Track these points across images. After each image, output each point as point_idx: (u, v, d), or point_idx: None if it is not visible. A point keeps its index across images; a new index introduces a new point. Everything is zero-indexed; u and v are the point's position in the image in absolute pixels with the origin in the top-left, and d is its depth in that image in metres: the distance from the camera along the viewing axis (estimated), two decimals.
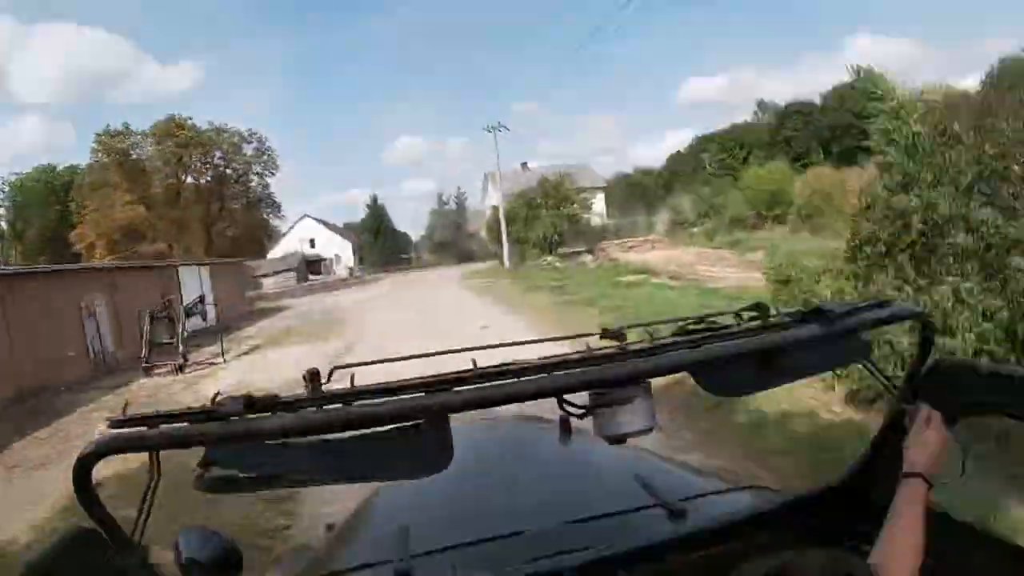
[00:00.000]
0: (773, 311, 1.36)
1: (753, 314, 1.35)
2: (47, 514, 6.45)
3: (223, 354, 15.40)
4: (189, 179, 43.68)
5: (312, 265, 57.26)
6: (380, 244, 60.49)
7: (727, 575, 1.64)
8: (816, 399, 6.87)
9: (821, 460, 5.52)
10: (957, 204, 5.18)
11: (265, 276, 48.36)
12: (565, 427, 2.85)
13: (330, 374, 1.19)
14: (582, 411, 1.16)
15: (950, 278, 4.93)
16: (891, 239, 5.90)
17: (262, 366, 14.25)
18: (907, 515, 1.30)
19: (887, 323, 1.45)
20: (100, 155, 41.11)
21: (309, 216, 63.86)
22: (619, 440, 1.16)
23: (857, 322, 1.30)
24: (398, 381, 1.12)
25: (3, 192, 45.33)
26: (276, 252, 56.78)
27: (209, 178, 44.39)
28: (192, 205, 42.27)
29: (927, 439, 1.39)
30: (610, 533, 1.81)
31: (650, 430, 1.16)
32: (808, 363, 1.35)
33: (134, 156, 41.44)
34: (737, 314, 1.36)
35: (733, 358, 1.19)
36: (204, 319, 17.01)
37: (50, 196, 44.36)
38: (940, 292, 4.93)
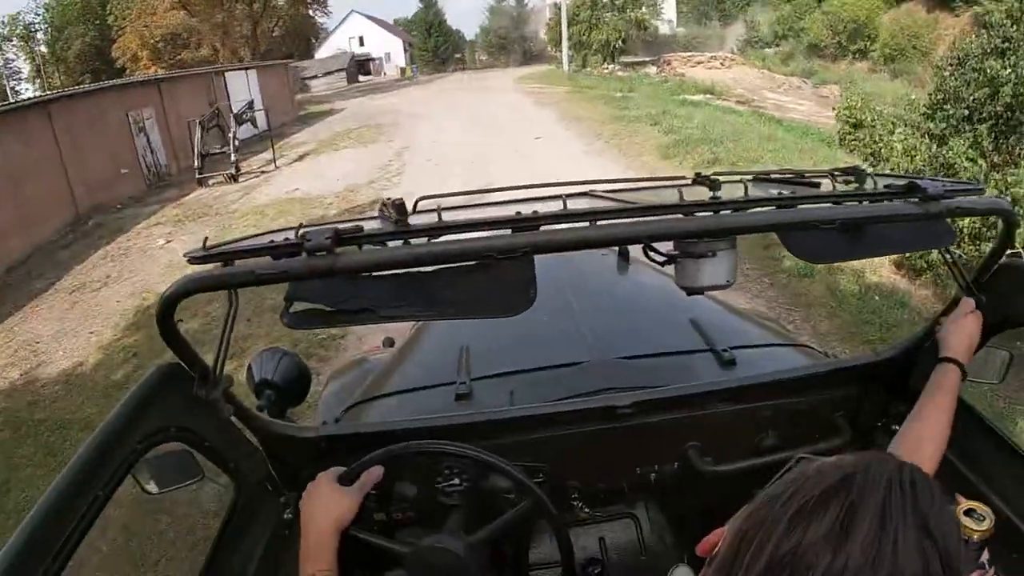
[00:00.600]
0: (869, 179, 1.30)
1: (849, 178, 1.31)
2: (112, 334, 6.85)
3: (275, 160, 15.37)
4: None
5: (362, 65, 55.57)
6: (433, 42, 57.90)
7: (767, 429, 1.77)
8: (866, 260, 6.71)
9: (860, 322, 5.52)
10: None
11: (314, 78, 47.28)
12: (624, 257, 2.90)
13: (415, 205, 1.18)
14: (664, 259, 1.15)
15: None
16: (975, 104, 5.37)
17: (316, 171, 14.31)
18: (940, 400, 1.34)
19: (977, 215, 1.43)
20: None
21: (357, 12, 60.92)
22: (697, 291, 1.18)
23: (950, 207, 1.24)
24: (484, 215, 1.11)
25: (40, 15, 43.99)
26: (323, 52, 54.94)
27: None
28: (235, 4, 40.21)
29: (967, 328, 1.42)
30: (661, 373, 1.90)
31: (730, 284, 1.17)
32: (895, 240, 1.32)
33: None
34: (832, 174, 1.31)
35: (824, 224, 1.15)
36: (255, 125, 16.91)
37: (88, 12, 42.48)
38: (1016, 175, 4.54)
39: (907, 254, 6.26)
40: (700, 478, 1.76)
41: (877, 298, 5.92)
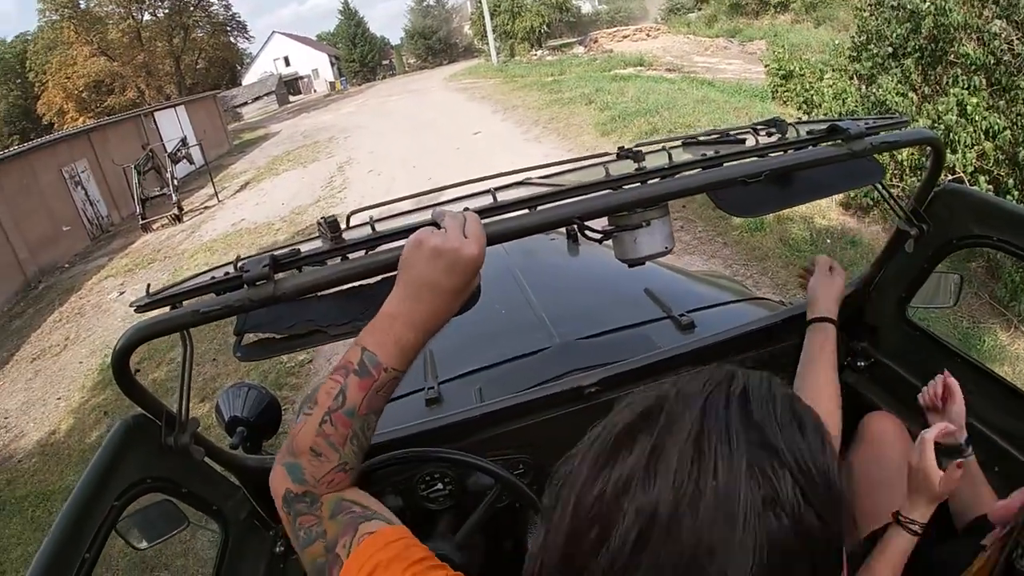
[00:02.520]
0: (791, 128, 1.32)
1: (771, 130, 1.32)
2: (80, 396, 6.69)
3: (217, 194, 15.16)
4: (146, 16, 40.06)
5: (290, 85, 54.89)
6: (359, 52, 57.26)
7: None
8: (813, 204, 6.87)
9: None
10: (971, 12, 4.76)
11: (244, 105, 46.49)
12: (573, 238, 2.92)
13: (348, 220, 1.20)
14: (600, 235, 1.15)
15: (955, 90, 4.66)
16: (899, 40, 5.51)
17: (259, 199, 14.14)
18: (823, 358, 1.42)
19: (902, 147, 1.43)
20: (48, 13, 37.38)
21: (279, 32, 60.22)
22: (638, 262, 1.17)
23: (873, 144, 1.26)
24: (416, 219, 1.09)
25: None
26: (250, 77, 54.14)
27: (167, 10, 40.78)
28: (155, 43, 39.31)
29: (832, 284, 1.50)
30: (623, 347, 1.91)
31: (668, 252, 1.17)
32: (824, 183, 1.32)
33: (84, 5, 37.76)
34: (754, 129, 1.32)
35: (751, 178, 1.15)
36: (191, 162, 16.66)
37: (7, 73, 41.27)
38: (945, 104, 4.68)
39: (852, 194, 6.42)
40: None
41: (829, 241, 6.03)
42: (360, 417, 0.88)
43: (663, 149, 1.22)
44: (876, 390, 1.81)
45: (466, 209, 1.03)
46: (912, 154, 5.38)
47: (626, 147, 1.21)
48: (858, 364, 1.84)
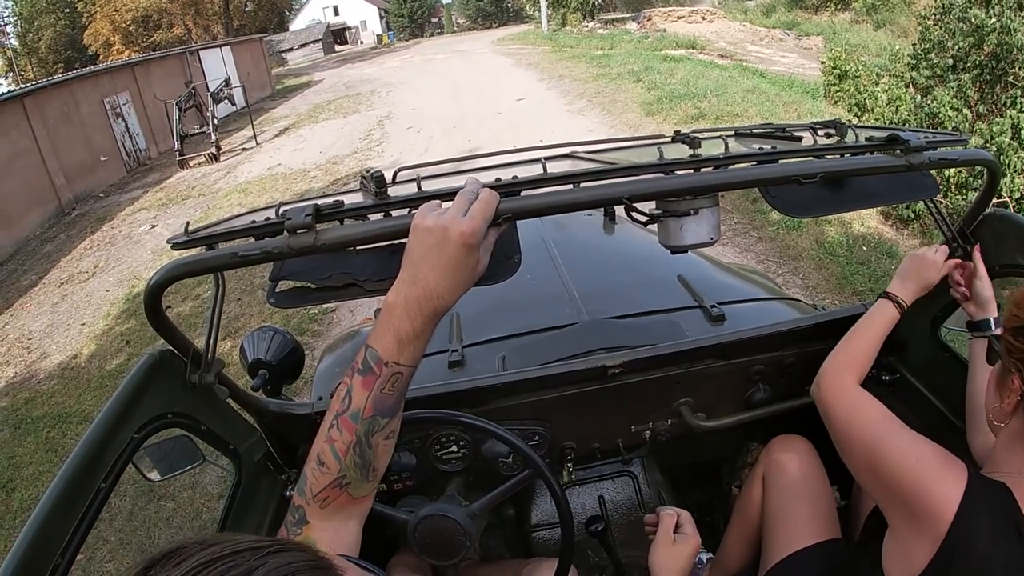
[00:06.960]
0: (850, 132, 1.28)
1: (830, 131, 1.30)
2: (104, 323, 6.80)
3: (255, 137, 15.17)
4: None
5: (337, 35, 54.64)
6: (408, 8, 56.69)
7: (757, 383, 1.83)
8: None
9: (849, 273, 5.54)
10: None
11: (290, 50, 46.52)
12: (610, 217, 2.92)
13: (394, 176, 1.18)
14: (647, 219, 1.12)
15: (1012, 112, 4.50)
16: (960, 54, 5.33)
17: (297, 145, 14.16)
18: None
19: (959, 166, 1.38)
20: None
21: None
22: (681, 250, 1.15)
23: (932, 159, 1.22)
24: (464, 182, 1.06)
25: (8, 8, 42.60)
26: (298, 23, 54.09)
27: None
28: None
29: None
30: (651, 332, 1.91)
31: (713, 242, 1.14)
32: (878, 192, 1.29)
33: None
34: (812, 128, 1.31)
35: (807, 178, 1.12)
36: (232, 103, 16.67)
37: (56, 1, 41.17)
38: (1000, 125, 4.53)
39: (894, 205, 6.25)
40: (693, 434, 1.81)
41: (865, 248, 5.92)
42: (365, 420, 0.85)
43: (720, 137, 1.20)
44: (897, 406, 1.78)
45: (498, 180, 1.01)
46: (959, 172, 5.24)
47: (682, 131, 1.19)
48: (883, 378, 1.81)
